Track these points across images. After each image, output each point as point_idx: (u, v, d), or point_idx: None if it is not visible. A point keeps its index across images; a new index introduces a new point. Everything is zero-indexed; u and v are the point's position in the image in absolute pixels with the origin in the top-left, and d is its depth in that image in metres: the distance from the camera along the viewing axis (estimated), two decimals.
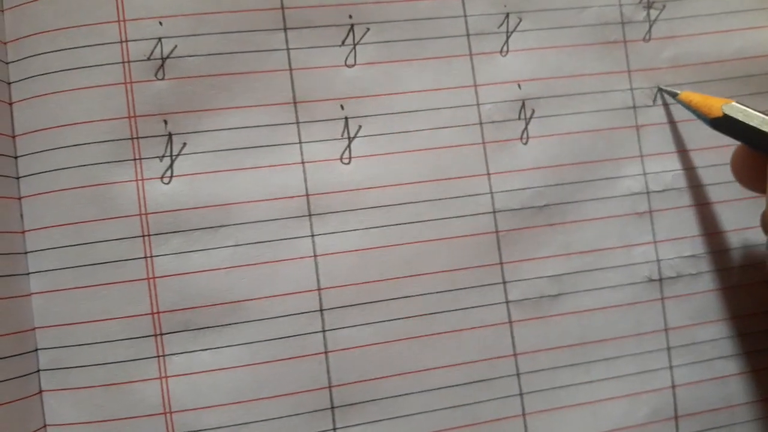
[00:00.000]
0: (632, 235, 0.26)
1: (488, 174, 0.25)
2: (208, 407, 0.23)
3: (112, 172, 0.23)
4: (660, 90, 0.27)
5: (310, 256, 0.24)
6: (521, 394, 0.25)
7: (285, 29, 0.24)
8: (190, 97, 0.24)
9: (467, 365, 0.24)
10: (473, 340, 0.25)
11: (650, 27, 0.27)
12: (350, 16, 0.25)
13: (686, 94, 0.26)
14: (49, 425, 0.23)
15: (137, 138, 0.23)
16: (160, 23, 0.24)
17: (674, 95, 0.26)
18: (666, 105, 0.27)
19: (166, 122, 0.24)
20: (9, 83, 0.24)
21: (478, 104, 0.26)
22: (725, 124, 0.24)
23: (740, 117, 0.23)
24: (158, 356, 0.23)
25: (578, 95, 0.26)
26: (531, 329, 0.25)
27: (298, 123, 0.24)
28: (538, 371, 0.25)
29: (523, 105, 0.26)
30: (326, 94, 0.25)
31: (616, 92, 0.26)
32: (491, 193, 0.25)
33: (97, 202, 0.23)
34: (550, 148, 0.26)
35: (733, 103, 0.23)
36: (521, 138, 0.26)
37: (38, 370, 0.23)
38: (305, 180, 0.24)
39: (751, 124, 0.23)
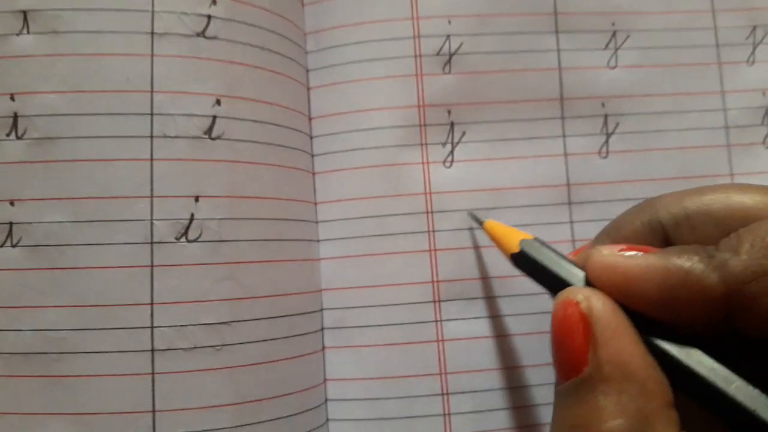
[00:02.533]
0: None
1: (731, 174, 0.27)
2: (478, 371, 0.25)
3: (402, 154, 0.26)
4: (469, 214, 0.26)
5: (569, 241, 0.26)
6: None
7: (557, 32, 0.27)
8: (471, 91, 0.26)
9: None
10: None
11: None
12: (613, 23, 0.27)
13: (490, 225, 0.23)
14: (328, 379, 0.26)
15: (425, 125, 0.26)
16: (449, 22, 0.26)
17: (480, 223, 0.24)
18: None
19: (449, 112, 0.26)
20: (308, 70, 0.27)
21: (724, 109, 0.27)
22: (523, 263, 0.21)
23: (538, 256, 0.20)
24: (436, 321, 0.26)
25: None
26: None
27: (563, 118, 0.27)
28: None
29: (767, 112, 0.27)
30: (589, 92, 0.27)
31: None
32: None
33: (388, 181, 0.26)
34: None
35: (534, 239, 0.21)
36: (764, 142, 0.27)
37: (322, 329, 0.26)
38: (567, 171, 0.27)
39: (545, 263, 0.20)
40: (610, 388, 0.16)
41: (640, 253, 0.18)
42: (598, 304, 0.17)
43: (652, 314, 0.17)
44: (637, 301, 0.17)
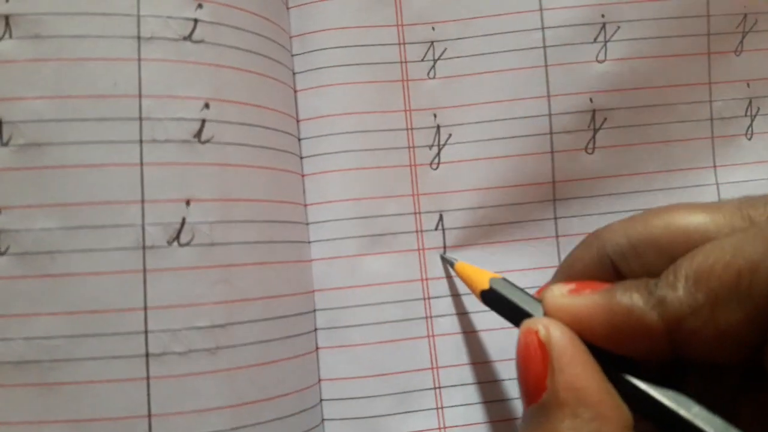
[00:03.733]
0: None
1: (714, 167, 0.28)
2: (469, 364, 0.26)
3: (389, 157, 0.26)
4: (441, 257, 0.27)
5: (552, 237, 0.27)
6: None
7: (542, 28, 0.27)
8: (456, 94, 0.27)
9: None
10: None
11: None
12: (603, 15, 0.27)
13: (460, 266, 0.25)
14: (323, 380, 0.26)
15: (412, 129, 0.26)
16: (433, 28, 0.26)
17: (451, 265, 0.26)
18: None
19: (435, 116, 0.26)
20: (294, 73, 0.27)
21: (710, 101, 0.28)
22: (493, 300, 0.22)
23: (506, 293, 0.21)
24: (427, 317, 0.26)
25: None
26: None
27: (550, 115, 0.27)
28: None
29: (750, 103, 0.28)
30: (577, 88, 0.27)
31: None
32: (716, 184, 0.27)
33: (376, 183, 0.26)
34: None
35: (501, 278, 0.22)
36: (746, 134, 0.28)
37: (315, 329, 0.26)
38: (552, 168, 0.27)
39: (515, 301, 0.21)
40: (565, 413, 0.17)
41: (588, 292, 0.18)
42: (556, 332, 0.18)
43: (606, 348, 0.18)
44: (589, 338, 0.18)
